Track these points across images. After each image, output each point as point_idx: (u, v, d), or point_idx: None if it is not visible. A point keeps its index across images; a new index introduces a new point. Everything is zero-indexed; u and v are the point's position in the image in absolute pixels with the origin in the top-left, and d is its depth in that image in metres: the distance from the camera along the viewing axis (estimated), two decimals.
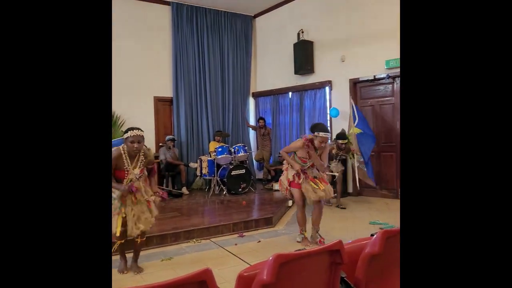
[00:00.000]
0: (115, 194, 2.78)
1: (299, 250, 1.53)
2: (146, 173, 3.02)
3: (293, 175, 3.57)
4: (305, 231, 3.69)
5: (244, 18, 7.75)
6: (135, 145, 2.74)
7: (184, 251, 3.54)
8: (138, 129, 2.80)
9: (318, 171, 3.59)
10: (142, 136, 2.80)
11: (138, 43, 6.70)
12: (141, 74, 6.73)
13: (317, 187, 3.51)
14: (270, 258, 1.32)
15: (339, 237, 2.01)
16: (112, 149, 2.75)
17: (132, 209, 2.82)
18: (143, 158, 2.88)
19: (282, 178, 3.72)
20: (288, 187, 3.63)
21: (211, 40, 7.34)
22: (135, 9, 6.68)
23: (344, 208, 5.28)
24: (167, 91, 7.05)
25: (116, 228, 2.78)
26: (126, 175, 2.82)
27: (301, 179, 3.54)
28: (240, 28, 7.70)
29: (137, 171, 2.82)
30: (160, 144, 6.78)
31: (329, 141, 4.42)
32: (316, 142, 3.43)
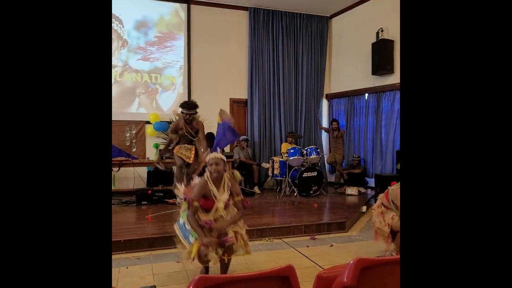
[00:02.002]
0: (192, 238, 2.49)
1: (379, 257, 1.48)
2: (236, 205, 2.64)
3: (391, 217, 3.09)
4: None
5: (320, 19, 7.68)
6: (213, 166, 2.52)
7: (257, 248, 3.64)
8: (218, 153, 2.61)
9: None
10: (221, 158, 2.56)
11: (217, 47, 7.08)
12: (218, 77, 7.10)
13: None
14: (351, 261, 1.31)
15: None
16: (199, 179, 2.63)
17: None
18: (229, 182, 2.59)
19: (379, 225, 3.17)
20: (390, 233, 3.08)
21: (286, 42, 7.42)
22: (215, 16, 7.07)
23: None
24: (242, 93, 7.32)
25: (191, 254, 2.47)
26: (214, 203, 2.55)
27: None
28: (316, 29, 7.65)
29: (225, 196, 2.56)
30: (235, 144, 7.06)
31: None
32: None
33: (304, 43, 7.55)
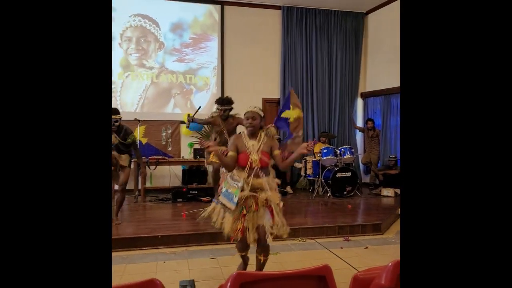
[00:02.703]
0: (236, 198, 2.35)
1: None
2: (270, 168, 2.52)
3: None
4: None
5: (355, 16, 7.52)
6: (249, 120, 2.45)
7: (289, 248, 3.64)
8: (255, 107, 2.53)
9: None
10: (257, 113, 2.48)
11: (250, 47, 7.12)
12: (251, 77, 7.15)
13: None
14: (390, 263, 1.28)
15: None
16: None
17: (253, 217, 2.39)
18: (265, 138, 2.47)
19: None
20: None
21: (320, 41, 7.33)
22: (248, 16, 7.12)
23: None
24: (275, 93, 7.32)
25: (236, 230, 2.39)
26: (249, 157, 2.40)
27: None
28: (351, 26, 7.49)
29: (256, 145, 2.42)
30: None
31: None
32: None
33: (339, 40, 7.42)
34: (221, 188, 2.54)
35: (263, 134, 2.49)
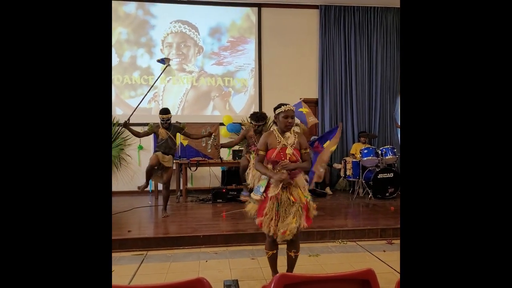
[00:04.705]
0: (262, 188, 2.43)
1: None
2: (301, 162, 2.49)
3: None
4: None
5: (397, 11, 7.25)
6: (289, 120, 2.42)
7: (330, 250, 3.59)
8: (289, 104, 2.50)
9: None
10: (294, 111, 2.51)
11: (287, 48, 7.12)
12: (289, 77, 7.14)
13: None
14: None
15: None
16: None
17: (286, 210, 2.38)
18: (295, 134, 2.49)
19: None
20: None
21: (359, 38, 7.16)
22: (285, 16, 7.12)
23: None
24: (313, 93, 7.25)
25: (268, 227, 2.41)
26: (281, 152, 2.41)
27: None
28: (391, 22, 7.25)
29: (292, 139, 2.46)
30: None
31: None
32: None
33: (379, 37, 7.20)
34: (255, 185, 2.61)
35: (293, 131, 2.52)
